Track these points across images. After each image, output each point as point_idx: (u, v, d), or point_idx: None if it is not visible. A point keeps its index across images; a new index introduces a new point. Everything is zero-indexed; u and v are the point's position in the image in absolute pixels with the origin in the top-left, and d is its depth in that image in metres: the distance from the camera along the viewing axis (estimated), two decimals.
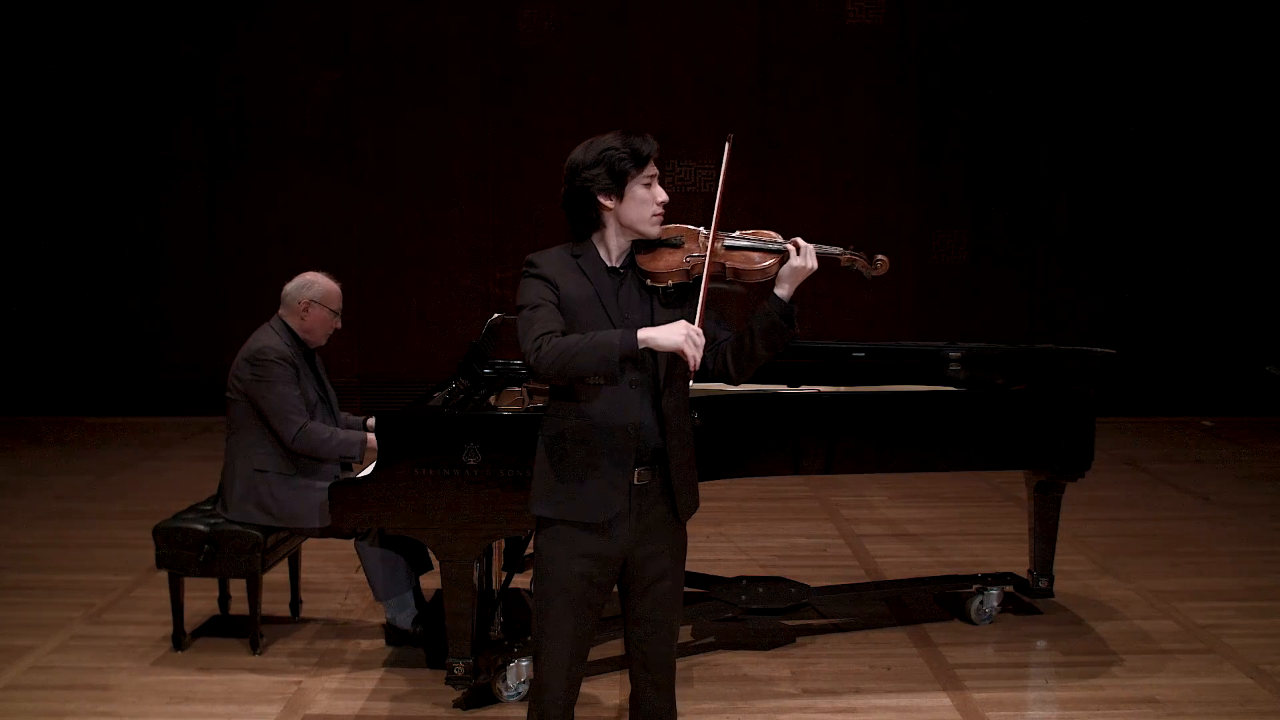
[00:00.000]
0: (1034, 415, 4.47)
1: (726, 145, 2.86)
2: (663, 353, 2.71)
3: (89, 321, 9.56)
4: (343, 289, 4.56)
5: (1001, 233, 9.70)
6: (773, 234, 2.87)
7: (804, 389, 4.51)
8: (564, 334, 2.66)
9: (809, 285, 2.89)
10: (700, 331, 2.57)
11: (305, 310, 4.41)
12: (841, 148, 9.60)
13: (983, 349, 5.03)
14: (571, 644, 2.79)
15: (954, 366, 4.86)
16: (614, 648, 4.24)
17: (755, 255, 2.81)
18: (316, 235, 9.49)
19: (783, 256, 2.79)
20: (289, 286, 4.44)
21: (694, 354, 2.54)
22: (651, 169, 2.75)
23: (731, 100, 9.57)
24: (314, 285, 4.43)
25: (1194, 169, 9.63)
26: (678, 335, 2.55)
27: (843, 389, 4.60)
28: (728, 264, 2.80)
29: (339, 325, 4.52)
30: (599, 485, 2.72)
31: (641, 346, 2.56)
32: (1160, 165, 9.63)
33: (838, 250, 2.88)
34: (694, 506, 2.89)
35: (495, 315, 4.91)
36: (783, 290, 2.76)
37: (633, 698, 2.95)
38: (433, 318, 9.57)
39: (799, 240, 2.78)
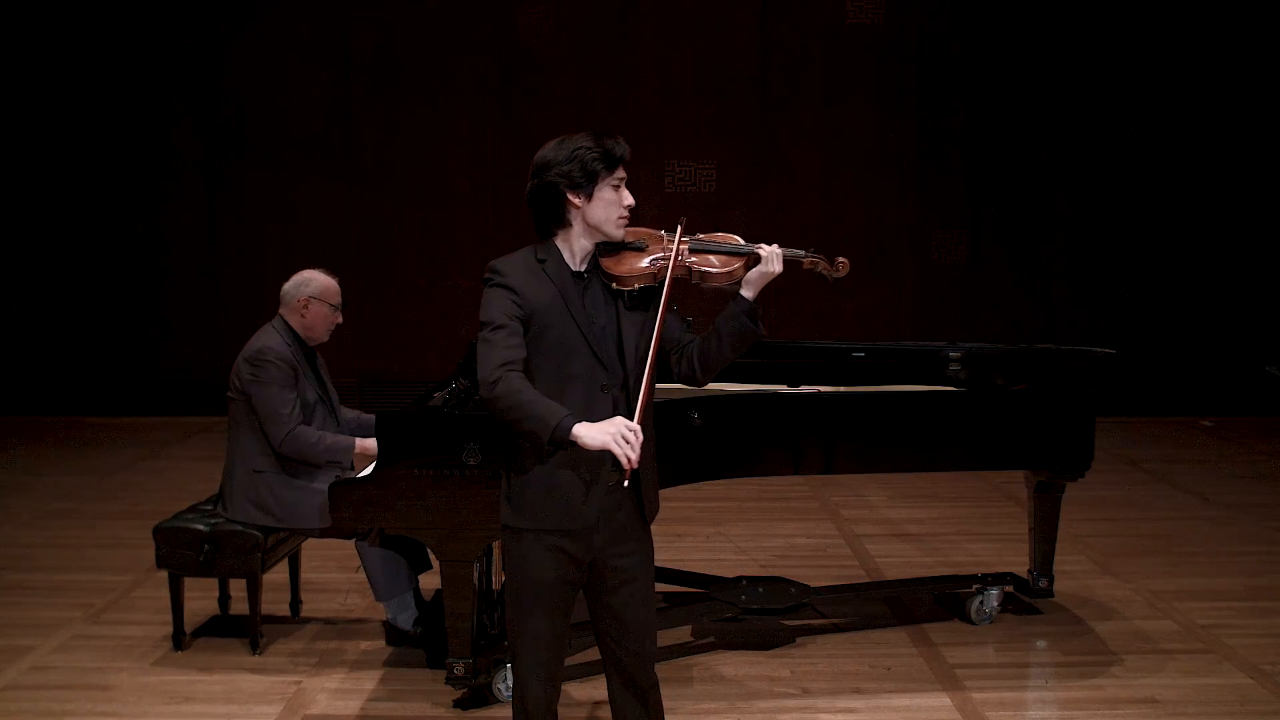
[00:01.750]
0: (1034, 415, 4.47)
1: (679, 227, 2.83)
2: (630, 354, 2.74)
3: (89, 321, 9.56)
4: (343, 289, 4.56)
5: (1001, 233, 9.70)
6: (735, 237, 2.90)
7: (804, 389, 4.51)
8: (525, 362, 2.67)
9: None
10: (637, 429, 2.52)
11: (304, 307, 4.41)
12: (841, 148, 9.60)
13: (983, 349, 5.03)
14: (548, 647, 2.79)
15: (954, 366, 4.86)
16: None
17: (720, 259, 2.84)
18: (316, 235, 9.49)
19: (748, 260, 2.82)
20: (287, 285, 4.45)
21: (623, 452, 2.49)
22: (621, 172, 2.76)
23: (731, 100, 9.57)
24: (311, 282, 4.44)
25: (1194, 169, 9.63)
26: (605, 436, 2.50)
27: (843, 389, 4.60)
28: (694, 268, 2.82)
29: (340, 320, 4.52)
30: (573, 492, 2.71)
31: (571, 438, 2.52)
32: (1160, 165, 9.63)
33: (800, 253, 2.94)
34: (656, 509, 2.89)
35: None
36: (748, 292, 2.80)
37: (611, 700, 2.94)
38: (433, 318, 9.57)
39: (764, 246, 2.81)
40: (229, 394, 4.38)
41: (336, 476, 4.22)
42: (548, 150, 2.76)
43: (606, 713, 3.08)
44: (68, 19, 9.36)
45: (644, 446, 2.75)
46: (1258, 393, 9.61)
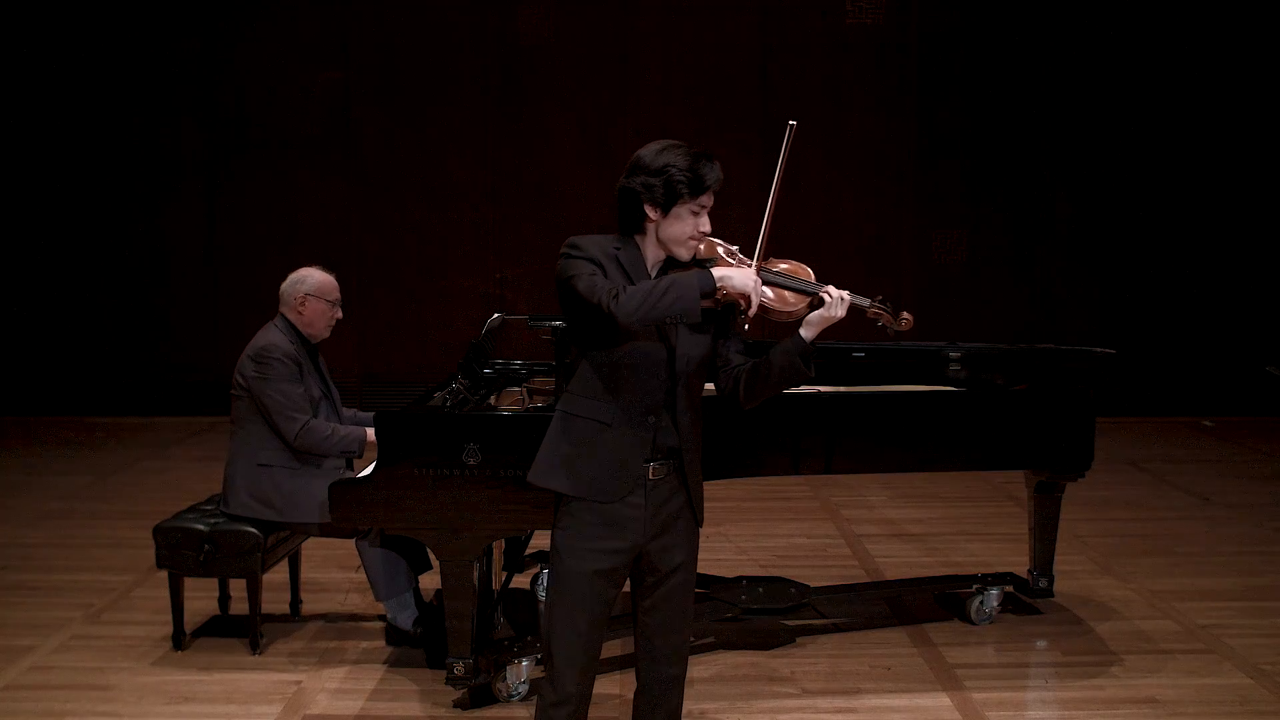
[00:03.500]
0: (1034, 415, 4.46)
1: (789, 130, 2.88)
2: (681, 363, 2.77)
3: (90, 321, 9.56)
4: (343, 289, 4.58)
5: (1001, 233, 9.70)
6: (807, 271, 2.89)
7: (804, 389, 4.51)
8: (585, 345, 2.76)
9: None
10: (761, 284, 2.70)
11: (302, 304, 4.45)
12: (841, 148, 9.60)
13: (983, 349, 5.03)
14: (583, 638, 2.81)
15: (954, 366, 4.86)
16: (616, 646, 4.25)
17: (787, 295, 2.84)
18: (317, 235, 9.49)
19: (813, 300, 2.82)
20: (284, 285, 4.49)
21: (757, 300, 2.67)
22: (706, 199, 2.76)
23: (731, 100, 9.57)
24: (308, 279, 4.47)
25: (1194, 169, 9.63)
26: (749, 280, 2.67)
27: (843, 389, 4.60)
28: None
29: (339, 315, 4.55)
30: (613, 465, 2.75)
31: (718, 284, 2.65)
32: (1160, 165, 9.63)
33: (865, 302, 2.91)
34: (702, 513, 2.93)
35: (495, 315, 4.91)
36: (808, 332, 2.79)
37: (638, 693, 2.97)
38: (433, 318, 9.57)
39: (830, 289, 2.81)
40: (233, 391, 4.40)
41: (339, 470, 4.26)
42: (646, 152, 2.76)
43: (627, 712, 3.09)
44: (68, 19, 9.35)
45: (697, 453, 2.86)
46: (1258, 393, 9.61)
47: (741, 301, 2.69)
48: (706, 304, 2.68)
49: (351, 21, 9.48)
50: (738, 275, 2.67)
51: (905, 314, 2.96)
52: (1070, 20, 9.54)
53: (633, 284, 2.72)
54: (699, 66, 9.55)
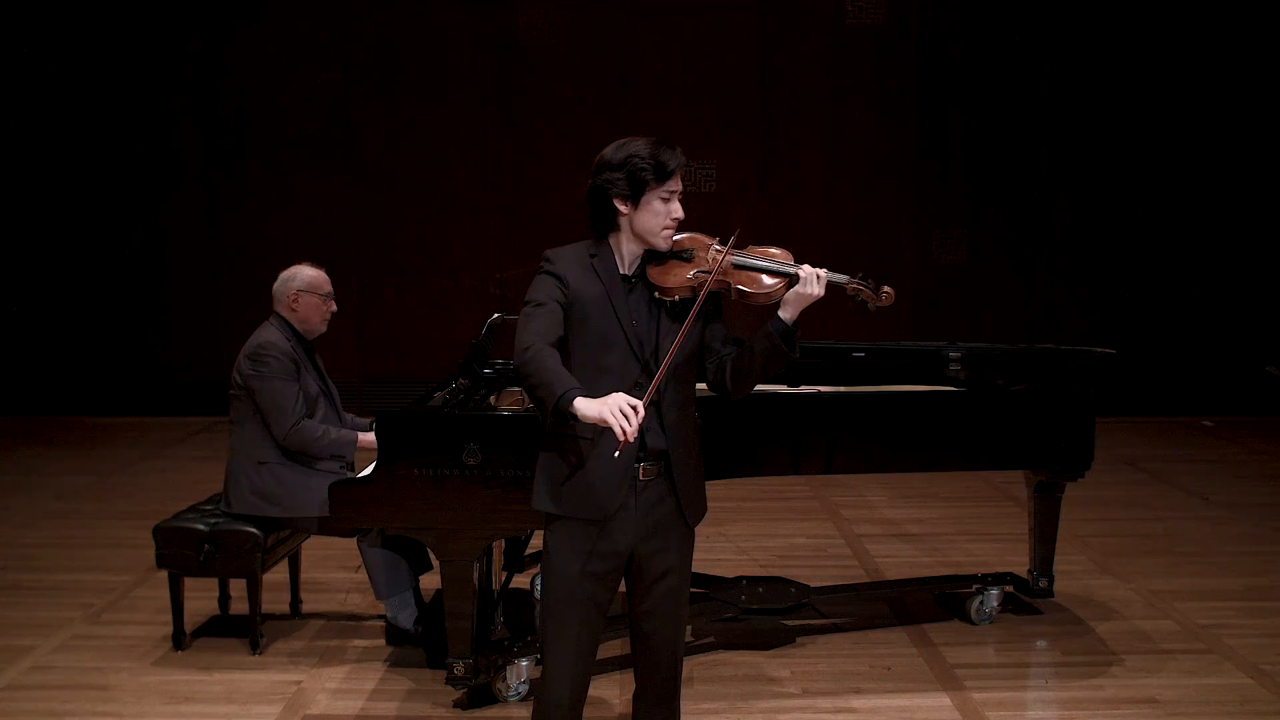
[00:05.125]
0: (1034, 415, 4.46)
1: (733, 236, 2.85)
2: (665, 352, 2.74)
3: (89, 321, 9.56)
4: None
5: (1001, 233, 9.70)
6: (783, 253, 2.87)
7: (804, 389, 4.52)
8: (561, 339, 2.72)
9: None
10: (638, 405, 2.49)
11: (295, 301, 4.47)
12: (841, 148, 9.60)
13: (983, 349, 5.03)
14: (575, 640, 2.81)
15: (954, 366, 4.86)
16: (616, 647, 4.25)
17: (763, 277, 2.82)
18: (316, 235, 9.47)
19: (790, 280, 2.80)
20: (275, 285, 4.53)
21: (619, 425, 2.46)
22: (674, 184, 2.77)
23: (731, 100, 9.57)
24: (297, 276, 4.50)
25: (1194, 170, 9.63)
26: (604, 409, 2.48)
27: (843, 389, 4.60)
28: (734, 284, 2.81)
29: (334, 308, 4.57)
30: (601, 480, 2.74)
31: (574, 411, 2.52)
32: (1160, 166, 9.63)
33: (844, 278, 2.90)
34: (702, 512, 2.92)
35: (495, 315, 4.91)
36: (786, 313, 2.78)
37: (637, 695, 2.98)
38: (433, 318, 9.57)
39: (807, 266, 2.80)
40: (231, 391, 4.41)
41: (340, 467, 4.27)
42: (607, 151, 2.79)
43: (627, 713, 3.09)
44: (69, 19, 9.35)
45: (686, 444, 2.82)
46: (1258, 393, 9.61)
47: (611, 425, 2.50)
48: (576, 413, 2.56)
49: (351, 21, 9.48)
50: (592, 408, 2.48)
51: (886, 288, 2.93)
52: (1070, 20, 9.54)
53: (605, 288, 2.75)
54: (699, 66, 9.55)
